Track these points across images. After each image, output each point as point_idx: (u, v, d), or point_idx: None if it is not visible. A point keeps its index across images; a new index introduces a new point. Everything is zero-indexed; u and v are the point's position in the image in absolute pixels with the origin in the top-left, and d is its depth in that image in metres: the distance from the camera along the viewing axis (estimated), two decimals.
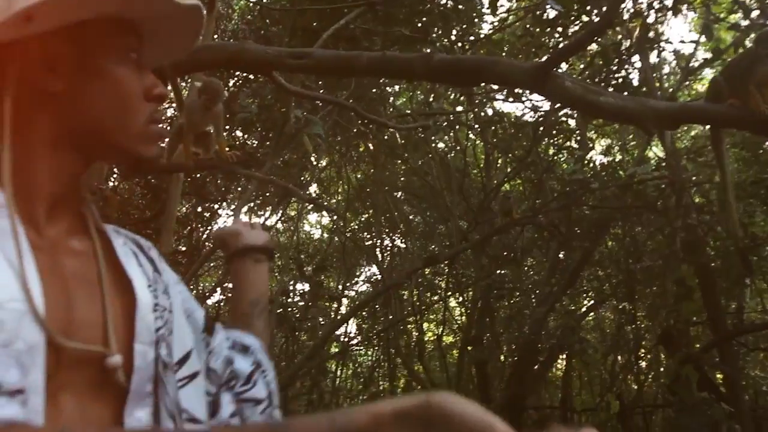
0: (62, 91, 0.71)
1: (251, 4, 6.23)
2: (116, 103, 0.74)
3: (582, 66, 5.16)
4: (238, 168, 1.73)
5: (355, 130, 5.31)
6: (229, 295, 7.28)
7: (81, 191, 0.77)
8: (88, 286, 0.70)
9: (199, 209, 6.66)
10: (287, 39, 5.86)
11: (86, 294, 0.69)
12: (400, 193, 7.72)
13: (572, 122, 5.90)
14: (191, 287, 7.03)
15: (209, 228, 6.58)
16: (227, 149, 1.80)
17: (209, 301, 7.60)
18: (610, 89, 4.47)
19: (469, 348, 6.27)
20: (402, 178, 7.76)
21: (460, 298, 7.29)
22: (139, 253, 0.82)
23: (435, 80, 2.17)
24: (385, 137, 6.05)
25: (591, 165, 5.84)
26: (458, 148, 6.76)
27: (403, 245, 8.05)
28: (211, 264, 8.01)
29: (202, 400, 0.81)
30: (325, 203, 8.70)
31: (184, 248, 6.56)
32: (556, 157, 6.24)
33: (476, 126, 6.39)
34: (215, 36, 6.29)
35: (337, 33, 4.07)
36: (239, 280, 1.05)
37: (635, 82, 5.33)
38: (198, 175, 5.75)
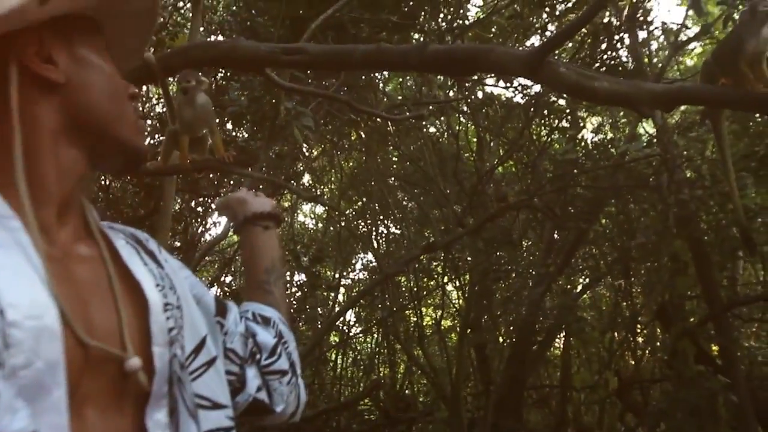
0: (64, 83, 0.72)
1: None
2: (112, 94, 0.76)
3: (573, 47, 5.15)
4: (235, 168, 1.72)
5: (345, 119, 5.29)
6: (227, 289, 7.30)
7: (82, 194, 0.77)
8: (100, 293, 0.70)
9: (193, 204, 6.64)
10: (273, 29, 5.82)
11: (100, 301, 0.70)
12: (393, 179, 7.71)
13: (563, 102, 5.91)
14: None
15: (204, 223, 6.56)
16: (223, 149, 1.79)
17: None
18: (602, 69, 4.48)
19: (468, 331, 6.32)
20: (395, 165, 7.75)
21: (457, 282, 7.33)
22: (139, 248, 0.81)
23: (429, 71, 2.17)
24: (377, 124, 6.03)
25: (583, 144, 5.86)
26: (450, 132, 6.76)
27: (398, 232, 8.06)
28: (207, 258, 8.00)
29: (223, 384, 0.82)
30: (319, 194, 8.70)
31: (179, 244, 6.54)
32: (548, 138, 6.25)
33: (467, 110, 6.38)
34: (201, 29, 6.24)
35: (325, 22, 4.04)
36: (251, 249, 1.05)
37: (624, 60, 5.34)
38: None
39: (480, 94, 6.32)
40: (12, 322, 0.55)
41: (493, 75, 5.22)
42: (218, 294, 7.44)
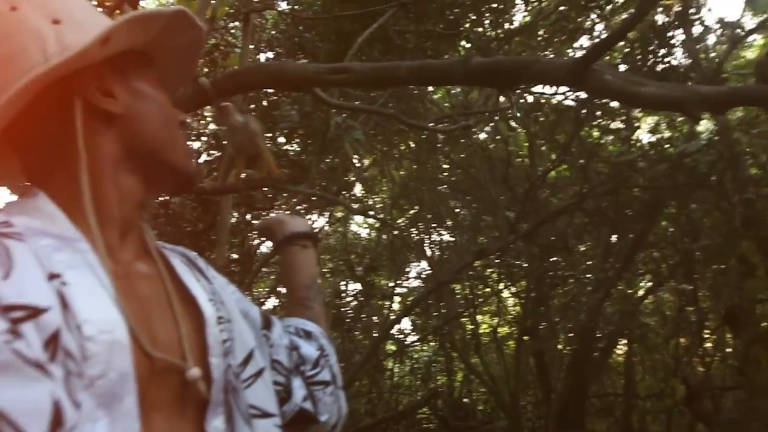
0: (122, 114, 0.77)
1: (284, 14, 6.32)
2: (165, 122, 0.81)
3: (622, 49, 5.02)
4: (288, 185, 1.78)
5: (394, 129, 5.33)
6: (283, 300, 7.43)
7: (140, 217, 0.81)
8: (161, 308, 0.75)
9: (248, 218, 6.80)
10: (320, 44, 5.93)
11: (161, 315, 0.74)
12: (444, 187, 7.69)
13: (615, 103, 5.77)
14: (246, 293, 7.19)
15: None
16: (275, 167, 1.85)
17: (265, 306, 7.74)
18: (656, 70, 4.35)
19: (526, 338, 6.22)
20: (445, 173, 7.73)
21: (513, 289, 7.22)
22: (190, 266, 0.86)
23: (473, 84, 2.17)
24: (424, 135, 6.04)
25: (638, 145, 5.70)
26: (499, 137, 6.70)
27: (451, 239, 8.02)
28: (264, 270, 8.17)
29: (271, 394, 0.85)
30: (371, 203, 8.75)
31: (236, 257, 6.71)
32: (601, 140, 6.10)
33: (517, 115, 6.32)
34: (252, 47, 6.41)
35: (371, 35, 4.10)
36: (290, 267, 1.10)
37: (678, 61, 5.17)
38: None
39: (530, 99, 6.25)
40: (88, 336, 0.60)
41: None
42: (276, 303, 7.61)
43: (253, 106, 5.99)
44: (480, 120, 5.43)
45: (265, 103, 5.83)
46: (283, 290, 8.00)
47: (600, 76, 1.50)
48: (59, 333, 0.58)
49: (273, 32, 6.72)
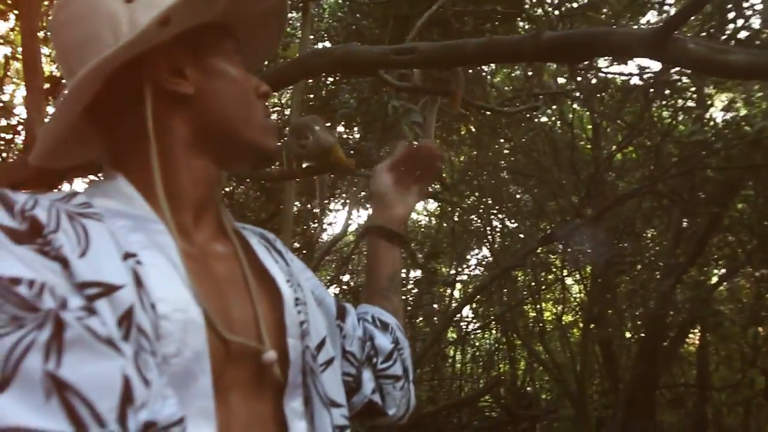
0: (193, 94, 0.75)
1: (341, 1, 6.33)
2: (240, 99, 0.78)
3: (696, 21, 4.77)
4: (357, 171, 1.78)
5: (454, 113, 5.25)
6: (345, 288, 7.51)
7: (217, 196, 0.81)
8: (237, 288, 0.74)
9: (309, 206, 6.90)
10: (378, 31, 5.91)
11: (237, 295, 0.73)
12: (505, 172, 7.56)
13: (687, 80, 5.50)
14: None
15: (322, 224, 6.79)
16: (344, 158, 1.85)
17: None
18: (732, 43, 4.11)
19: (592, 326, 6.06)
20: (507, 158, 7.59)
21: (578, 276, 7.04)
22: (269, 247, 0.85)
23: (545, 59, 2.10)
24: (486, 117, 5.94)
25: (711, 124, 5.42)
26: (563, 120, 6.51)
27: (513, 225, 7.89)
28: (326, 258, 8.28)
29: (339, 384, 0.84)
30: (431, 190, 8.70)
31: (298, 245, 6.83)
32: (671, 120, 5.84)
33: (581, 96, 6.12)
34: (311, 37, 6.45)
35: (429, 19, 4.04)
36: (375, 256, 1.07)
37: (758, 29, 4.87)
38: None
39: (594, 80, 6.04)
40: (163, 314, 0.60)
41: (608, 58, 4.95)
42: (337, 291, 7.70)
43: (312, 95, 6.04)
44: (544, 102, 5.28)
45: (323, 93, 5.88)
46: (345, 278, 8.09)
47: (682, 44, 1.42)
48: (133, 310, 0.58)
49: (330, 21, 6.75)
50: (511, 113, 3.68)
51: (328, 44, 7.17)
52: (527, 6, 4.99)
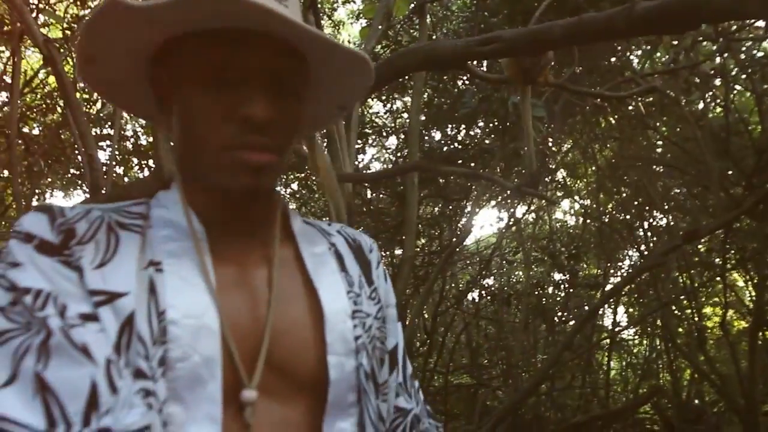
0: (173, 108, 0.74)
1: (468, 1, 6.26)
2: (197, 121, 0.70)
3: None
4: (492, 177, 1.75)
5: (589, 107, 4.95)
6: (484, 292, 7.37)
7: (269, 197, 0.79)
8: (256, 302, 0.73)
9: (435, 211, 6.91)
10: (507, 27, 5.76)
11: (254, 310, 0.72)
12: (656, 166, 6.96)
13: None
14: (447, 285, 7.30)
15: (455, 227, 6.75)
16: None
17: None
18: None
19: (762, 333, 5.35)
20: (658, 150, 6.99)
21: (747, 276, 6.27)
22: (351, 255, 0.84)
23: (641, 33, 1.91)
24: (627, 108, 5.53)
25: None
26: (719, 103, 5.86)
27: (667, 222, 7.24)
28: (467, 262, 8.20)
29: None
30: (574, 189, 8.29)
31: (435, 249, 6.84)
32: None
33: (741, 74, 5.47)
34: (439, 37, 6.45)
35: (557, 8, 3.87)
36: None
37: None
38: (440, 179, 5.98)
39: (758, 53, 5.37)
40: (171, 320, 0.64)
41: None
42: (476, 296, 7.59)
43: (436, 98, 6.04)
44: (692, 83, 4.77)
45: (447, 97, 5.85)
46: (486, 282, 7.92)
47: None
48: (133, 316, 0.63)
49: (459, 23, 6.70)
50: (622, 97, 3.38)
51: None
52: None
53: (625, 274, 7.69)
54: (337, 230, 0.87)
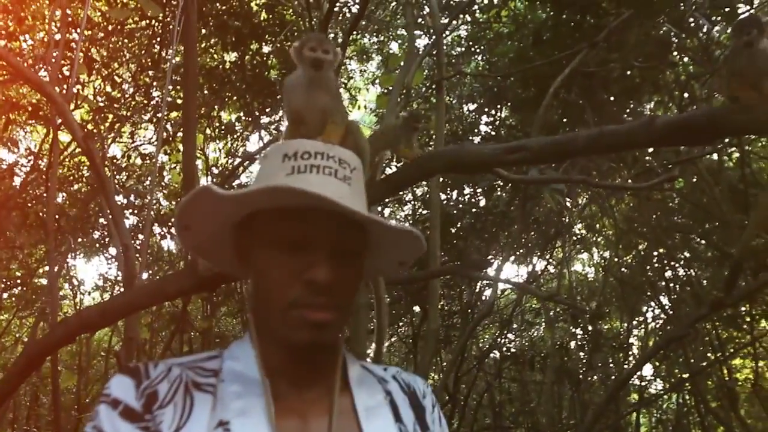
0: (254, 270, 0.84)
1: (480, 67, 6.45)
2: (271, 282, 0.80)
3: None
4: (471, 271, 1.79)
5: (605, 168, 5.02)
6: (505, 349, 7.27)
7: (332, 349, 0.86)
8: None
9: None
10: (520, 90, 5.90)
11: None
12: (675, 217, 6.95)
13: None
14: (468, 342, 7.21)
15: (474, 286, 6.72)
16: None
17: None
18: None
19: None
20: (674, 203, 7.00)
21: None
22: (404, 403, 0.89)
23: (661, 145, 1.99)
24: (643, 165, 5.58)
25: None
26: (732, 151, 5.89)
27: (688, 274, 7.17)
28: (485, 322, 8.13)
29: None
30: (592, 242, 8.27)
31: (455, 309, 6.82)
32: None
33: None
34: (455, 101, 6.60)
35: (571, 71, 3.98)
36: None
37: None
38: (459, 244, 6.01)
39: None
40: None
41: None
42: (498, 355, 7.50)
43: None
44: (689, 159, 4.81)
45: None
46: (505, 340, 7.84)
47: None
48: None
49: (473, 84, 6.88)
50: (644, 189, 3.43)
51: (472, 107, 7.31)
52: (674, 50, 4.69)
53: (648, 329, 7.57)
54: (393, 375, 0.93)
